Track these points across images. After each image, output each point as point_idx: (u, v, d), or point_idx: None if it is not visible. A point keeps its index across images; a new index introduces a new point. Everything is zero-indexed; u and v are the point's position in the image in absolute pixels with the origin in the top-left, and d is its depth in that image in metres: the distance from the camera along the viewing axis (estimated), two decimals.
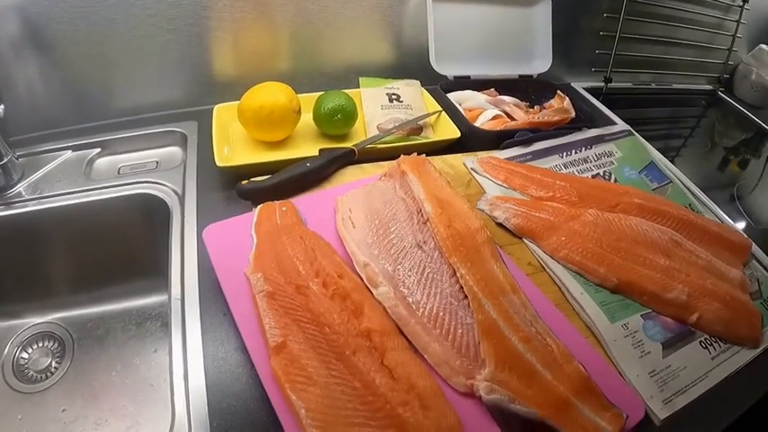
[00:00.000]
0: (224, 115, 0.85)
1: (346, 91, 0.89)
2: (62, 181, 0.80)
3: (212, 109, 0.86)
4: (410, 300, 0.56)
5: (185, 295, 0.63)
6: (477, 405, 0.50)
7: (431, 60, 0.93)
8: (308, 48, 0.98)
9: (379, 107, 0.89)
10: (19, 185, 0.79)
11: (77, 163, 0.84)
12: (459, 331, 0.54)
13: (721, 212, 0.82)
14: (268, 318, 0.52)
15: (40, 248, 0.81)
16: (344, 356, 0.49)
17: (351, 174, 0.76)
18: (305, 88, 0.88)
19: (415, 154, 0.74)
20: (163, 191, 0.79)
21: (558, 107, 0.93)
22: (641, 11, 1.09)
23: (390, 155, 0.78)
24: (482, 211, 0.73)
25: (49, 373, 0.79)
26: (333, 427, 0.44)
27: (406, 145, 0.83)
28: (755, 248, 0.76)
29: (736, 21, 1.20)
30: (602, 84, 1.13)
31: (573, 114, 0.91)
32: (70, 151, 0.86)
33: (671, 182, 0.83)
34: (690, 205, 0.80)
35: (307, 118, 0.86)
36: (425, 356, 0.53)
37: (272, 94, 0.80)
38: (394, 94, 0.91)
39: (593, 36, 1.09)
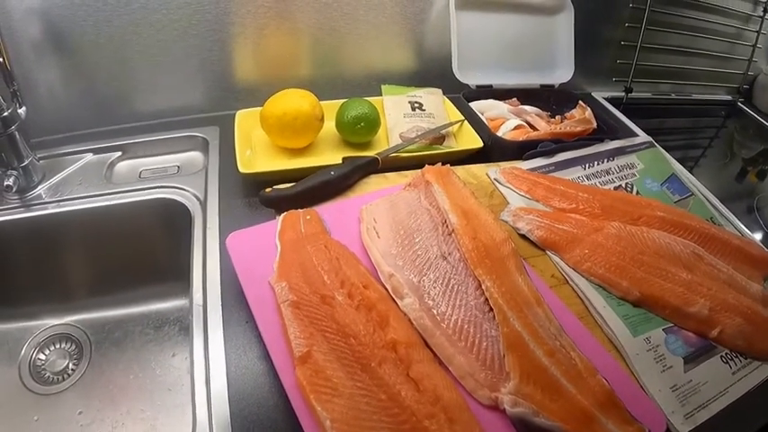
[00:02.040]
0: (246, 121, 0.87)
1: (368, 98, 0.91)
2: (83, 184, 0.82)
3: (234, 114, 0.88)
4: (435, 311, 0.57)
5: (207, 301, 0.65)
6: (501, 418, 0.51)
7: (453, 69, 0.95)
8: (331, 54, 1.00)
9: (401, 115, 0.91)
10: (39, 188, 0.81)
11: (98, 166, 0.86)
12: (485, 344, 0.55)
13: (741, 225, 0.84)
14: (293, 327, 0.53)
15: (59, 250, 0.82)
16: (370, 368, 0.50)
17: (374, 183, 0.78)
18: (327, 95, 0.90)
19: (440, 164, 0.76)
20: (185, 196, 0.81)
21: (579, 118, 0.95)
22: (662, 21, 1.11)
23: (413, 164, 0.80)
24: (505, 222, 0.75)
25: (66, 375, 0.80)
26: None
27: (429, 154, 0.85)
28: None
29: (756, 31, 1.22)
30: (623, 94, 1.14)
31: (594, 125, 0.93)
32: (91, 154, 0.88)
33: (693, 194, 0.85)
34: (711, 218, 0.82)
35: (329, 125, 0.87)
36: (450, 369, 0.53)
37: (295, 101, 0.82)
38: (416, 102, 0.93)
39: (614, 46, 1.12)
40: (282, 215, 0.69)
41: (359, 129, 0.85)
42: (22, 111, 0.77)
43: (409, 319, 0.57)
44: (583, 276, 0.69)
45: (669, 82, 1.21)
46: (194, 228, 0.76)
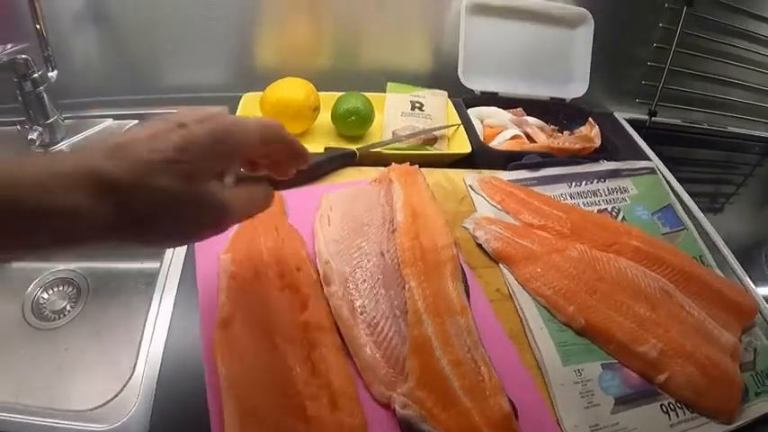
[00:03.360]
0: (251, 104, 0.86)
1: (374, 94, 0.89)
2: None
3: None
4: (356, 303, 0.56)
5: (172, 264, 0.65)
6: (390, 418, 0.49)
7: (459, 72, 0.90)
8: (349, 48, 0.98)
9: (399, 114, 0.87)
10: (60, 144, 0.84)
11: (116, 131, 0.88)
12: (394, 342, 0.53)
13: (740, 271, 0.74)
14: (223, 295, 0.54)
15: None
16: (276, 343, 0.50)
17: (348, 174, 0.75)
18: (339, 87, 0.88)
19: (408, 164, 0.72)
20: None
21: (579, 135, 0.87)
22: (696, 44, 1.00)
23: (396, 161, 0.75)
24: (466, 229, 0.69)
25: (62, 315, 0.82)
26: (246, 400, 0.45)
27: (413, 153, 0.80)
28: (762, 317, 0.67)
29: None
30: (647, 117, 1.04)
31: (596, 144, 0.85)
32: (111, 120, 0.90)
33: (685, 228, 0.75)
34: (700, 257, 0.72)
35: (327, 116, 0.86)
36: (356, 360, 0.52)
37: (290, 90, 0.81)
38: (418, 102, 0.89)
39: (641, 66, 1.01)
40: None
41: (350, 122, 0.82)
42: (53, 74, 0.80)
43: (329, 306, 0.55)
44: (529, 295, 0.62)
45: (702, 110, 1.08)
46: None
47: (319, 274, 0.58)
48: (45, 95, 0.79)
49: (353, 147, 0.78)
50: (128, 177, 0.32)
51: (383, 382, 0.50)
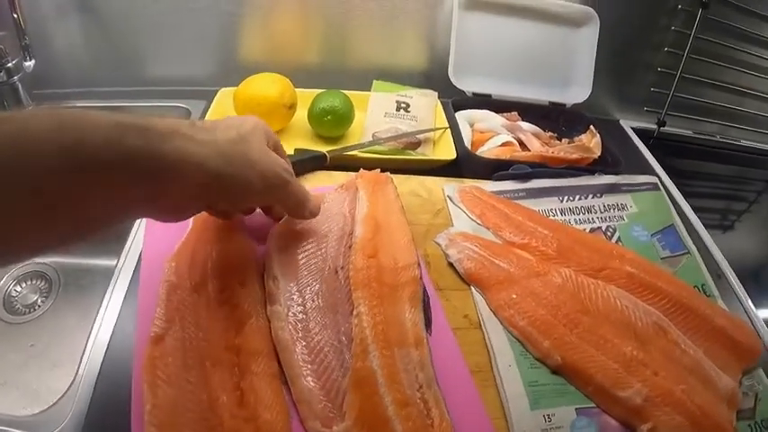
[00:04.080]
0: (226, 100, 0.79)
1: (359, 93, 0.82)
2: None
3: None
4: (299, 326, 0.48)
5: (125, 265, 0.59)
6: None
7: (449, 72, 0.82)
8: (337, 44, 0.91)
9: (382, 114, 0.79)
10: None
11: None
12: (335, 374, 0.46)
13: (747, 301, 0.65)
14: (160, 308, 0.48)
15: None
16: (204, 366, 0.44)
17: (317, 180, 0.68)
18: (323, 84, 0.81)
19: (378, 170, 0.64)
20: None
21: (577, 144, 0.78)
22: (710, 51, 0.90)
23: (373, 166, 0.67)
24: (438, 245, 0.61)
25: (33, 309, 0.79)
26: (167, 429, 0.40)
27: (391, 158, 0.73)
28: None
29: None
30: (655, 126, 0.94)
31: (596, 155, 0.76)
32: None
33: (688, 252, 0.66)
34: (702, 285, 0.63)
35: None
36: (292, 390, 0.45)
37: (264, 86, 0.75)
38: (404, 102, 0.81)
39: (651, 72, 0.92)
40: None
41: (326, 121, 0.75)
42: (30, 64, 0.78)
43: (270, 328, 0.49)
44: (501, 324, 0.54)
45: (714, 122, 0.98)
46: None
47: (265, 292, 0.52)
48: (20, 85, 0.77)
49: (327, 149, 0.70)
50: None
51: (319, 418, 0.43)
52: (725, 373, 0.53)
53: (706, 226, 0.75)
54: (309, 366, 0.46)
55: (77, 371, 0.49)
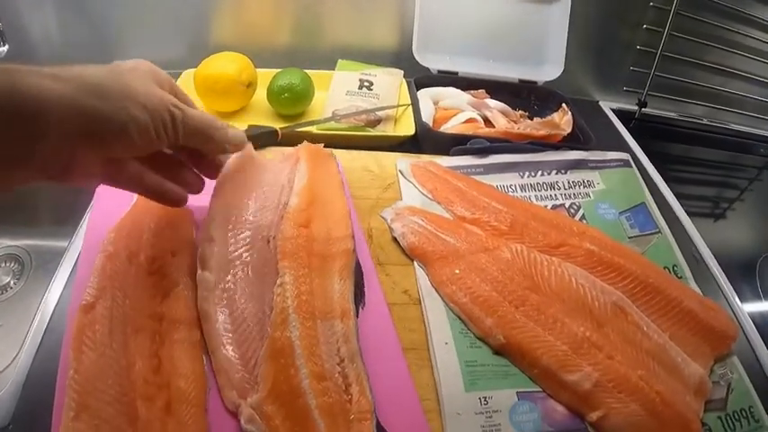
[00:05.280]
0: (190, 80, 0.75)
1: (323, 72, 0.78)
2: None
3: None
4: (225, 294, 0.45)
5: (73, 243, 0.58)
6: (236, 429, 0.39)
7: (413, 49, 0.77)
8: (305, 24, 0.86)
9: (344, 92, 0.75)
10: None
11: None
12: (255, 344, 0.42)
13: (726, 284, 0.59)
14: (93, 277, 0.46)
15: None
16: (126, 333, 0.42)
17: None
18: (290, 64, 0.76)
19: (322, 145, 0.59)
20: None
21: (546, 121, 0.72)
22: (693, 29, 0.83)
23: (330, 143, 0.63)
24: (384, 219, 0.56)
25: (4, 291, 0.74)
26: (86, 396, 0.38)
27: (346, 134, 0.68)
28: (747, 342, 0.52)
29: None
30: (636, 108, 0.88)
31: (565, 132, 0.70)
32: None
33: (659, 232, 0.60)
34: (673, 266, 0.57)
35: None
36: (212, 359, 0.43)
37: (221, 65, 0.71)
38: (367, 80, 0.76)
39: (631, 50, 0.86)
40: None
41: (283, 99, 0.71)
42: (3, 48, 0.77)
43: (195, 297, 0.46)
44: (443, 301, 0.49)
45: (701, 104, 0.91)
46: None
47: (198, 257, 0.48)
48: None
49: (270, 125, 0.66)
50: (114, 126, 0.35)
51: (236, 388, 0.40)
52: (694, 360, 0.47)
53: (690, 213, 0.68)
54: (230, 336, 0.43)
55: (20, 346, 0.48)
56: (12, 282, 0.77)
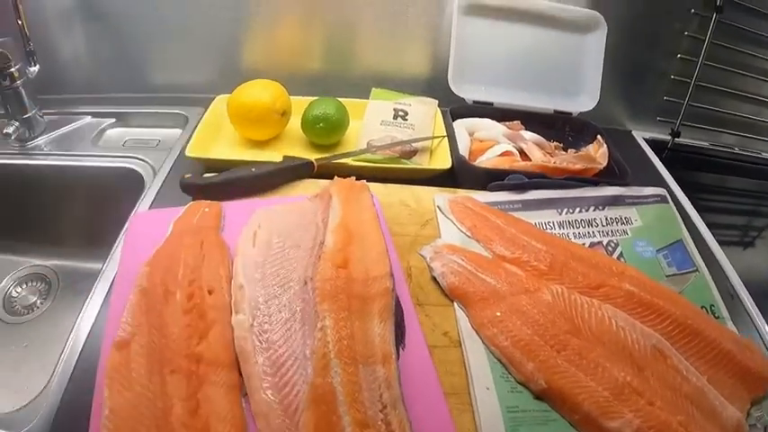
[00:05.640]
0: (222, 106, 0.77)
1: (356, 101, 0.79)
2: (75, 142, 0.81)
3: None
4: (262, 337, 0.45)
5: (107, 269, 0.58)
6: None
7: (448, 79, 0.78)
8: (337, 52, 0.89)
9: (378, 122, 0.76)
10: (39, 138, 0.81)
11: (92, 129, 0.85)
12: (297, 389, 0.42)
13: (762, 323, 0.58)
14: (127, 313, 0.47)
15: (51, 199, 0.82)
16: (163, 373, 0.42)
17: (302, 187, 0.65)
18: (323, 92, 0.78)
19: (353, 178, 0.60)
20: (146, 169, 0.76)
21: (582, 154, 0.72)
22: (727, 58, 0.83)
23: (365, 175, 0.64)
24: (423, 258, 0.57)
25: (31, 310, 0.80)
26: None
27: (382, 167, 0.70)
28: None
29: None
30: (669, 137, 0.87)
31: (601, 165, 0.71)
32: (90, 117, 0.86)
33: (696, 270, 0.60)
34: (711, 306, 0.57)
35: None
36: (251, 402, 0.42)
37: (256, 92, 0.72)
38: (402, 110, 0.77)
39: (665, 79, 0.85)
40: (189, 203, 0.61)
41: (318, 129, 0.72)
42: (34, 69, 0.78)
43: (233, 338, 0.46)
44: (483, 344, 0.49)
45: (733, 133, 0.91)
46: (140, 200, 0.70)
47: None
48: (23, 90, 0.77)
49: (305, 157, 0.67)
50: None
51: None
52: (731, 403, 0.48)
53: (722, 243, 0.68)
54: (270, 379, 0.43)
55: (53, 372, 0.48)
56: (38, 301, 0.80)
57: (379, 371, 0.43)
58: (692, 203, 0.73)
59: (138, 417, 0.39)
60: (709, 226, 0.70)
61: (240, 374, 0.44)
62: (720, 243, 0.68)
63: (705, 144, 0.90)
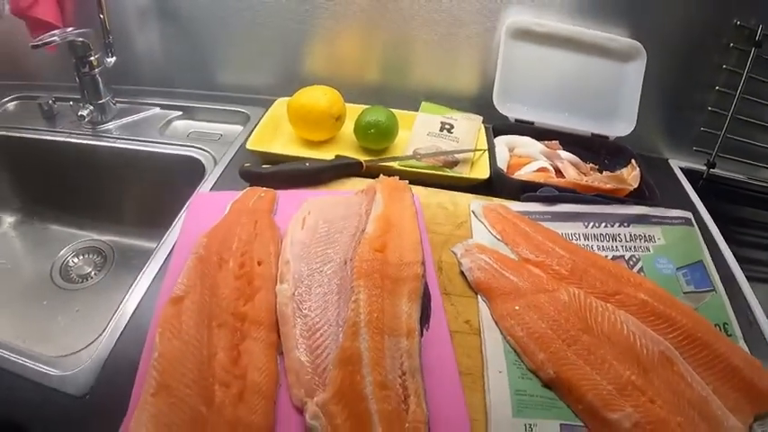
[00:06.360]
0: (282, 108, 0.85)
1: (406, 112, 0.86)
2: (143, 129, 0.89)
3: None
4: (302, 305, 0.52)
5: (163, 244, 0.65)
6: (300, 424, 0.45)
7: (493, 98, 0.83)
8: (391, 65, 0.95)
9: (425, 133, 0.82)
10: (109, 123, 0.90)
11: (159, 119, 0.92)
12: (327, 352, 0.49)
13: None
14: (184, 274, 0.52)
15: (115, 180, 0.90)
16: (211, 327, 0.48)
17: (349, 184, 0.72)
18: (376, 102, 0.85)
19: (397, 178, 0.67)
20: (207, 159, 0.83)
21: (614, 175, 0.76)
22: (764, 92, 0.85)
23: (409, 180, 0.69)
24: (454, 254, 0.62)
25: (85, 280, 0.87)
26: (167, 376, 0.43)
27: (425, 173, 0.75)
28: None
29: None
30: (704, 168, 0.90)
31: (632, 187, 0.74)
32: (158, 108, 0.95)
33: (713, 290, 0.63)
34: (724, 324, 0.60)
35: None
36: (285, 359, 0.49)
37: (315, 97, 0.80)
38: (448, 124, 0.83)
39: (702, 110, 0.88)
40: (247, 188, 0.69)
41: (370, 134, 0.79)
42: (111, 60, 0.88)
43: (276, 303, 0.53)
44: (501, 333, 0.54)
45: None
46: (199, 186, 0.76)
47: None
48: (99, 78, 0.86)
49: (356, 157, 0.74)
50: None
51: (304, 387, 0.46)
52: (734, 416, 0.50)
53: (751, 279, 0.69)
54: (305, 342, 0.49)
55: (103, 330, 0.54)
56: (93, 272, 0.88)
57: (403, 342, 0.48)
58: (722, 233, 0.75)
59: (184, 361, 0.44)
60: (740, 260, 0.71)
61: (278, 335, 0.51)
62: (750, 279, 0.69)
63: (741, 177, 0.91)
